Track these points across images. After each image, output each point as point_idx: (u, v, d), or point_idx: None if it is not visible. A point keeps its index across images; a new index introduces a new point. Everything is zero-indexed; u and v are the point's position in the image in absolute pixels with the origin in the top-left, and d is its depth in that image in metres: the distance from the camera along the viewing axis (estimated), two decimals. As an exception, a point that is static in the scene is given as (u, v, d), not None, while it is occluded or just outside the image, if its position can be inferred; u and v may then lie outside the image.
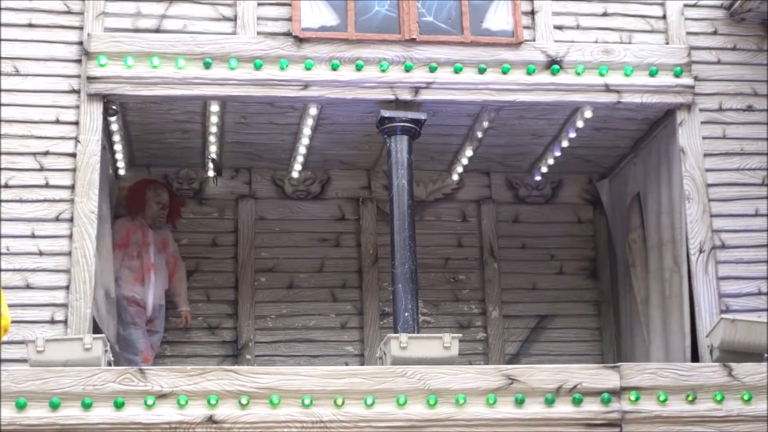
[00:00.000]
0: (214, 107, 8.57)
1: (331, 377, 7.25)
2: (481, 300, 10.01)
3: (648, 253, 9.17)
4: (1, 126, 7.93)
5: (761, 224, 8.42)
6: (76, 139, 7.98)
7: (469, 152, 9.57)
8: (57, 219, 7.85)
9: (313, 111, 8.63)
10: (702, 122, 8.58)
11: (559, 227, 10.26)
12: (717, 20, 8.80)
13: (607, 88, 8.50)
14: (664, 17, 8.77)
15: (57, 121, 8.02)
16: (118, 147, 9.13)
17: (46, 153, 7.95)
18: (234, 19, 8.38)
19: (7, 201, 7.82)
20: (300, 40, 8.31)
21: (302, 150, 9.45)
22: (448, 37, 8.44)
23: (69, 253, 7.75)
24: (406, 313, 7.80)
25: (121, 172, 9.55)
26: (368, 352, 9.64)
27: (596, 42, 8.64)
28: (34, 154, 7.95)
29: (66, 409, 7.01)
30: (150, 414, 7.05)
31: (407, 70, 8.34)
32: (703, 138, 8.54)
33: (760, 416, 7.43)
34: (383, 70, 8.31)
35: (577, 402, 7.34)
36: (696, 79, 8.61)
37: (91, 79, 8.04)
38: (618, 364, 7.56)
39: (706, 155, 8.51)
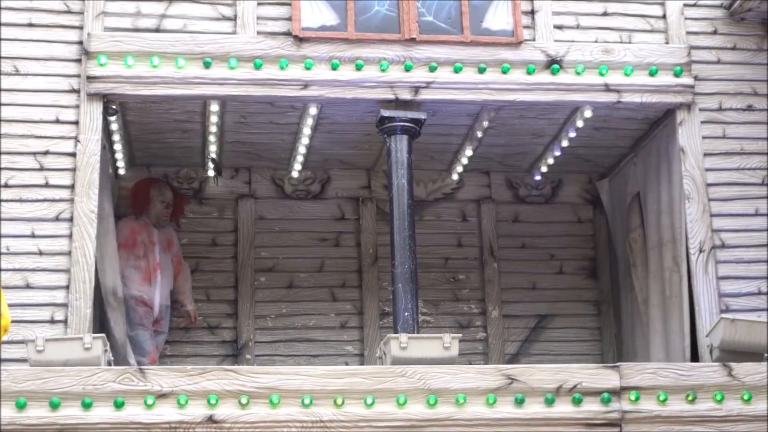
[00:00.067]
0: (214, 107, 8.57)
1: (331, 377, 7.25)
2: (481, 300, 10.01)
3: (648, 253, 9.16)
4: (1, 126, 7.93)
5: (761, 224, 8.42)
6: (76, 139, 7.98)
7: (468, 152, 9.57)
8: (57, 219, 7.84)
9: (313, 111, 8.63)
10: (702, 122, 8.58)
11: (558, 227, 10.25)
12: (717, 20, 8.80)
13: (607, 88, 8.50)
14: (663, 17, 8.77)
15: (57, 121, 8.02)
16: (118, 147, 9.13)
17: (46, 152, 7.95)
18: (234, 18, 8.38)
19: (7, 201, 7.81)
20: (300, 40, 8.31)
21: (302, 150, 9.44)
22: (447, 37, 8.44)
23: (69, 253, 7.75)
24: (406, 313, 7.80)
25: (121, 171, 9.54)
26: (368, 352, 9.64)
27: (596, 42, 8.64)
28: (34, 153, 7.95)
29: (66, 408, 7.01)
30: (150, 414, 7.05)
31: (407, 69, 8.34)
32: (703, 137, 8.54)
33: (760, 416, 7.43)
34: (383, 70, 8.31)
35: (577, 402, 7.34)
36: (696, 78, 8.61)
37: (90, 78, 8.04)
38: (618, 363, 7.56)
39: (705, 155, 8.51)
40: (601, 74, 8.48)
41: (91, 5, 8.23)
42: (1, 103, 7.97)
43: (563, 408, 7.34)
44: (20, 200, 7.84)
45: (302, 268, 9.90)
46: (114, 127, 8.71)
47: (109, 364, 7.34)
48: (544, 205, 10.28)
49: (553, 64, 8.46)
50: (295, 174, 9.92)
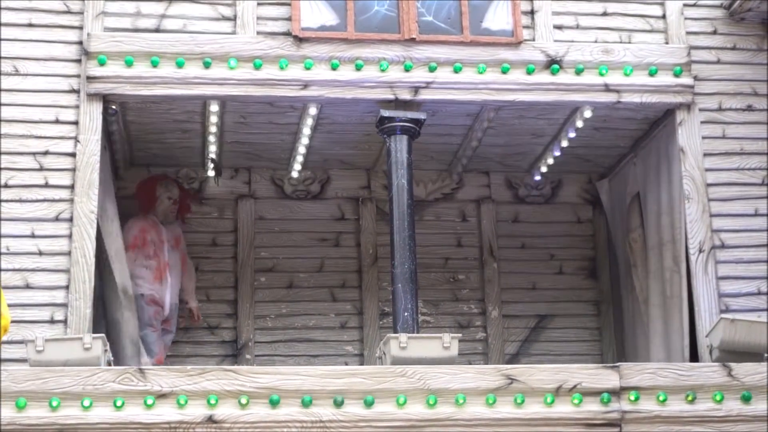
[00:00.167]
0: (214, 107, 8.57)
1: (330, 377, 7.24)
2: (481, 300, 10.01)
3: (648, 253, 9.16)
4: (1, 126, 7.93)
5: (761, 224, 8.42)
6: (76, 139, 7.98)
7: (468, 152, 9.57)
8: (57, 219, 7.84)
9: (312, 111, 8.63)
10: (702, 122, 8.58)
11: (558, 227, 10.25)
12: (717, 20, 8.80)
13: (607, 88, 8.50)
14: (663, 17, 8.77)
15: (57, 121, 8.02)
16: (118, 147, 9.13)
17: (46, 153, 7.95)
18: (234, 18, 8.38)
19: (7, 201, 7.82)
20: (300, 40, 8.31)
21: (302, 150, 9.44)
22: (447, 37, 8.44)
23: (69, 253, 7.75)
24: (406, 313, 7.80)
25: (121, 172, 9.53)
26: (368, 352, 9.64)
27: (596, 42, 8.64)
28: (34, 153, 7.95)
29: (66, 408, 7.01)
30: (150, 414, 7.05)
31: (407, 69, 8.34)
32: (703, 138, 8.54)
33: (760, 416, 7.43)
34: (383, 70, 8.31)
35: (577, 402, 7.34)
36: (696, 78, 8.61)
37: (90, 78, 8.04)
38: (618, 363, 7.56)
39: (705, 155, 8.51)
40: (601, 74, 8.48)
41: (91, 5, 8.23)
42: (1, 103, 7.97)
43: (563, 408, 7.33)
44: (20, 200, 7.84)
45: (302, 268, 9.90)
46: (114, 127, 8.71)
47: (109, 364, 7.34)
48: (543, 205, 10.28)
49: (552, 64, 8.46)
50: (294, 174, 9.92)
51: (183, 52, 8.17)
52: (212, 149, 9.37)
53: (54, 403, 6.98)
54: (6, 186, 7.85)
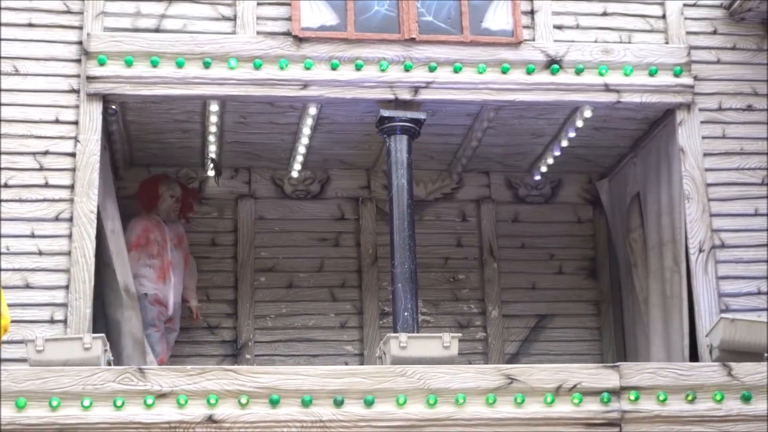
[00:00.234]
0: (214, 107, 8.57)
1: (330, 377, 7.24)
2: (481, 300, 10.01)
3: (648, 253, 9.16)
4: (1, 126, 7.93)
5: (761, 224, 8.42)
6: (76, 139, 7.98)
7: (468, 152, 9.57)
8: (57, 219, 7.85)
9: (312, 111, 8.63)
10: (701, 122, 8.58)
11: (558, 227, 10.25)
12: (717, 20, 8.80)
13: (607, 88, 8.50)
14: (663, 17, 8.77)
15: (57, 121, 8.02)
16: (117, 147, 9.13)
17: (46, 153, 7.95)
18: (233, 18, 8.38)
19: (7, 201, 7.82)
20: (299, 40, 8.31)
21: (302, 150, 9.44)
22: (447, 37, 8.44)
23: (68, 253, 7.75)
24: (406, 313, 7.80)
25: (121, 172, 9.53)
26: (368, 352, 9.64)
27: (596, 42, 8.64)
28: (34, 153, 7.95)
29: (65, 408, 7.01)
30: (150, 413, 7.05)
31: (407, 69, 8.34)
32: (703, 137, 8.54)
33: (760, 416, 7.43)
34: (383, 70, 8.31)
35: (577, 402, 7.34)
36: (696, 78, 8.61)
37: (90, 78, 8.04)
38: (617, 363, 7.56)
39: (705, 155, 8.51)
40: (601, 74, 8.48)
41: (91, 5, 8.23)
42: (1, 103, 7.97)
43: (563, 408, 7.33)
44: (20, 200, 7.84)
45: (302, 268, 9.90)
46: (114, 127, 8.71)
47: (109, 364, 7.34)
48: (543, 205, 10.28)
49: (552, 64, 8.46)
50: (294, 174, 9.92)
51: (183, 52, 8.17)
52: (212, 149, 9.37)
53: (54, 403, 6.98)
54: (6, 186, 7.85)
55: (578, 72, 8.47)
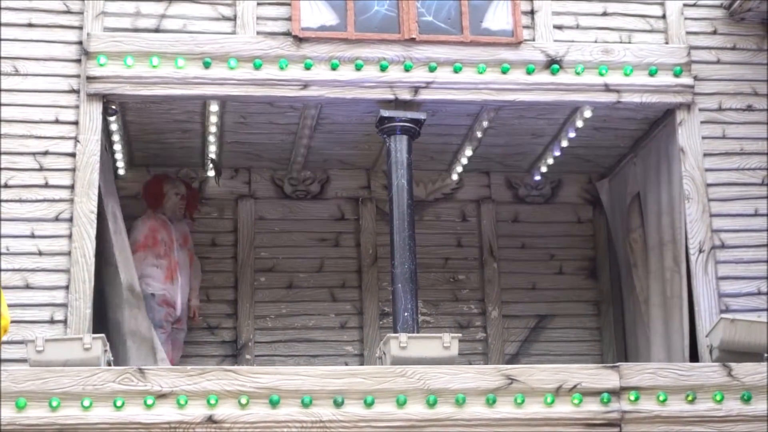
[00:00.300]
0: (214, 107, 8.57)
1: (330, 377, 7.24)
2: (481, 300, 10.01)
3: (648, 253, 9.16)
4: (1, 126, 7.92)
5: (761, 224, 8.42)
6: (76, 139, 7.98)
7: (468, 152, 9.57)
8: (56, 219, 7.84)
9: (312, 111, 8.63)
10: (702, 122, 8.58)
11: (558, 227, 10.25)
12: (717, 20, 8.80)
13: (607, 88, 8.50)
14: (663, 17, 8.77)
15: (56, 121, 8.02)
16: (117, 147, 9.13)
17: (46, 153, 7.95)
18: (233, 18, 8.38)
19: (6, 201, 7.81)
20: (299, 40, 8.30)
21: (302, 150, 9.44)
22: (447, 37, 8.44)
23: (68, 253, 7.75)
24: (406, 313, 7.80)
25: (121, 172, 9.53)
26: (368, 352, 9.64)
27: (596, 42, 8.64)
28: (34, 153, 7.94)
29: (66, 408, 7.01)
30: (150, 414, 7.05)
31: (407, 69, 8.34)
32: (703, 138, 8.54)
33: (760, 416, 7.43)
34: (383, 70, 8.31)
35: (577, 402, 7.34)
36: (696, 78, 8.61)
37: (90, 78, 8.04)
38: (617, 363, 7.56)
39: (705, 155, 8.51)
40: (601, 74, 8.48)
41: (91, 5, 8.23)
42: (1, 103, 7.97)
43: (563, 408, 7.33)
44: (20, 200, 7.84)
45: (302, 269, 9.89)
46: (114, 127, 8.71)
47: (109, 364, 7.34)
48: (543, 205, 10.28)
49: (552, 64, 8.46)
50: (294, 174, 9.92)
51: (183, 52, 8.17)
52: (212, 149, 9.37)
53: (54, 403, 6.98)
54: (6, 186, 7.84)
55: (578, 72, 8.47)
